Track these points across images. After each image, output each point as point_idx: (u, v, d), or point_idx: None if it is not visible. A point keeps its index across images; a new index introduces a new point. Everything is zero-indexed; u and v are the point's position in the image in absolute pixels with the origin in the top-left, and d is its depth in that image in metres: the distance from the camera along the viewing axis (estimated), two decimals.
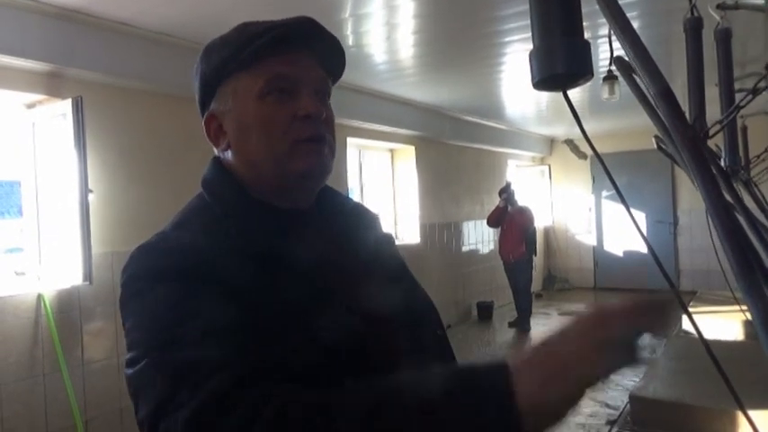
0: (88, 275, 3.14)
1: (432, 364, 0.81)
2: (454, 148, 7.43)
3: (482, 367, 0.57)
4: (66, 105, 3.13)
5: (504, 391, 0.53)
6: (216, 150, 0.86)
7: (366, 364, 0.72)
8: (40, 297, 3.15)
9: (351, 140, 5.55)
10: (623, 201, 0.55)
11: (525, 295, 6.82)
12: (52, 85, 3.25)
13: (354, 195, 5.96)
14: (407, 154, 6.67)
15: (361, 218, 0.94)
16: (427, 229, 6.77)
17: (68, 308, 3.27)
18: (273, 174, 0.80)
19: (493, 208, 7.02)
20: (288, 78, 0.79)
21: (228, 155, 0.84)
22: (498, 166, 8.79)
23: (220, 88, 0.82)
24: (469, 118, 7.26)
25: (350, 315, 0.75)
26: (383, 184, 6.70)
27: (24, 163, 3.40)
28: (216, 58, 0.82)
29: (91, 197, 3.20)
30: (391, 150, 6.74)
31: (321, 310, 0.73)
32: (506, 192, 6.79)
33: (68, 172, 3.13)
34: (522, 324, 6.78)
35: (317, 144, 0.81)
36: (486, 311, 7.34)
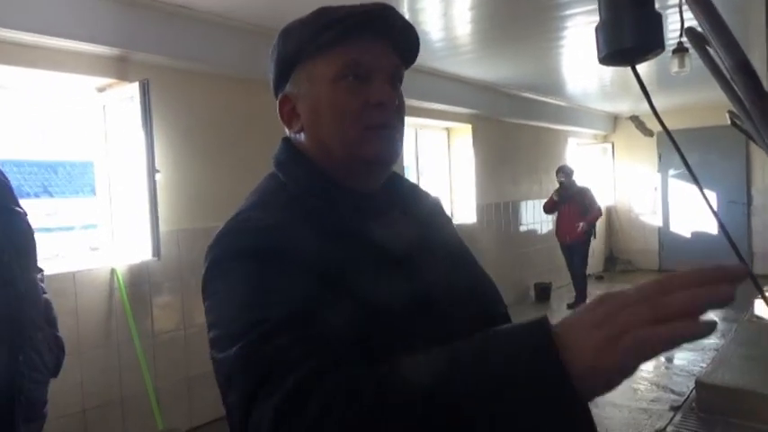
0: (157, 251, 3.29)
1: None
2: (512, 127, 7.27)
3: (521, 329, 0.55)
4: (133, 88, 3.26)
5: (547, 353, 0.51)
6: (288, 132, 0.88)
7: (433, 339, 0.68)
8: (113, 271, 3.33)
9: (407, 120, 5.49)
10: (695, 179, 0.53)
11: (581, 279, 6.75)
12: (120, 69, 3.39)
13: (410, 175, 5.95)
14: (464, 132, 6.57)
15: (423, 201, 0.95)
16: (484, 209, 6.69)
17: (139, 282, 3.45)
18: (344, 158, 0.82)
19: (552, 188, 6.86)
20: (362, 65, 0.80)
21: (301, 137, 0.85)
22: (558, 144, 8.55)
23: (296, 71, 0.83)
24: (528, 95, 7.06)
25: (419, 292, 0.76)
26: (439, 163, 6.65)
27: (97, 144, 3.58)
28: (293, 41, 0.83)
29: (158, 177, 3.34)
30: (447, 129, 6.66)
31: (392, 287, 0.73)
32: (563, 172, 6.61)
33: (137, 152, 3.27)
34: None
35: (388, 131, 0.82)
36: (544, 292, 7.22)
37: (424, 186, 1.02)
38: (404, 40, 0.85)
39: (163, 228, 3.39)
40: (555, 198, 6.62)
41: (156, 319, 3.53)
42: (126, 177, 3.42)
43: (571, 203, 6.53)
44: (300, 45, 0.82)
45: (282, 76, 0.85)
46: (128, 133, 3.34)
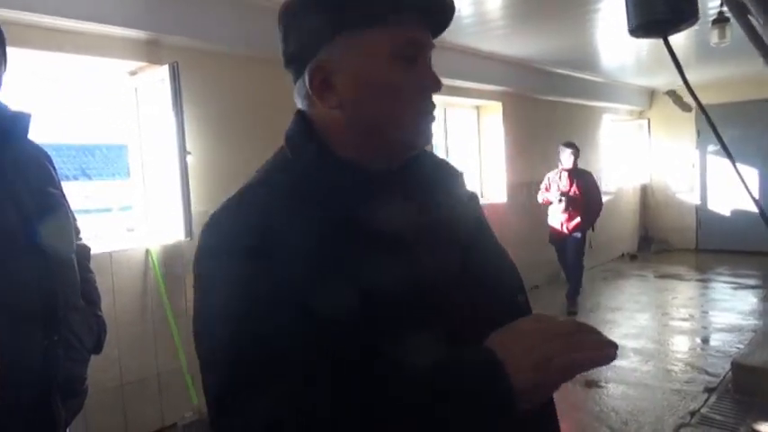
0: (189, 232, 3.35)
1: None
2: (544, 104, 7.12)
3: (471, 362, 0.65)
4: (163, 71, 3.29)
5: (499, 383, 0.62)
6: (319, 103, 0.79)
7: (430, 327, 0.71)
8: (147, 251, 3.42)
9: (435, 98, 5.43)
10: (728, 154, 0.50)
11: (576, 269, 5.84)
12: (151, 52, 3.43)
13: (439, 153, 5.90)
14: (494, 110, 6.47)
15: (445, 174, 0.91)
16: (515, 188, 6.60)
17: (172, 261, 3.53)
18: (389, 138, 0.79)
19: (582, 166, 6.66)
20: (417, 45, 0.77)
21: (335, 114, 0.78)
22: (591, 121, 8.35)
23: (336, 39, 0.75)
24: (560, 71, 6.90)
25: (419, 278, 0.73)
26: (469, 141, 6.57)
27: (130, 127, 3.65)
28: (334, 5, 0.75)
29: (189, 158, 3.39)
30: (477, 107, 6.57)
31: (391, 273, 0.71)
32: (574, 149, 5.64)
33: (168, 135, 3.32)
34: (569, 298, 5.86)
35: (432, 117, 0.81)
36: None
37: (451, 161, 0.98)
38: (443, 25, 0.82)
39: (195, 208, 3.45)
40: (559, 200, 5.57)
41: (190, 298, 3.61)
42: (158, 159, 3.48)
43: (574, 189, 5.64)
44: (350, 11, 0.74)
45: (319, 41, 0.76)
46: (159, 116, 3.39)
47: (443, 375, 0.64)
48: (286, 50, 0.81)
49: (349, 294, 0.68)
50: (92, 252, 1.84)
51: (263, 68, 3.96)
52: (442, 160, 0.94)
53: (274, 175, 0.80)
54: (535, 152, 7.00)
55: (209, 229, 0.75)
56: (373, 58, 0.75)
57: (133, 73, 3.56)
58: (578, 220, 5.58)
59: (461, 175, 0.94)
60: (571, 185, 5.60)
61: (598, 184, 5.92)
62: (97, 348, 1.67)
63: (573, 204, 5.55)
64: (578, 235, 5.65)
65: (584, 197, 5.57)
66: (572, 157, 5.62)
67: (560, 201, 5.54)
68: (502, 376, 0.61)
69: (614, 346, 0.64)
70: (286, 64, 0.83)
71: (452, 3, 0.80)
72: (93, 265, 1.78)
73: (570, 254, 5.76)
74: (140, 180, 3.65)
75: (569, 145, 5.71)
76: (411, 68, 0.76)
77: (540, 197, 5.82)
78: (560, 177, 5.69)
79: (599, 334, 0.65)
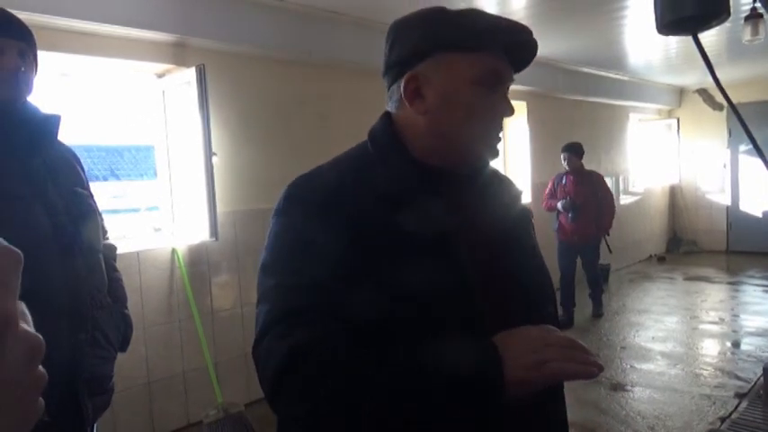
0: (214, 232, 3.39)
1: None
2: (569, 103, 7.03)
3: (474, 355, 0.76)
4: (190, 73, 3.34)
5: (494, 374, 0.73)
6: (401, 108, 0.92)
7: (459, 330, 0.82)
8: (173, 251, 3.47)
9: None
10: (760, 154, 0.49)
11: (594, 272, 5.61)
12: (178, 55, 3.48)
13: None
14: (519, 110, 6.41)
15: (503, 190, 1.02)
16: (539, 189, 6.53)
17: (198, 261, 3.58)
18: (460, 148, 0.91)
19: (610, 167, 6.55)
20: (499, 75, 0.89)
21: (419, 118, 0.90)
22: (618, 120, 8.21)
23: (433, 56, 0.87)
24: (586, 69, 6.80)
25: (460, 282, 0.84)
26: None
27: (157, 128, 3.71)
28: (444, 28, 0.87)
29: (215, 160, 3.43)
30: None
31: (433, 268, 0.82)
32: (574, 153, 5.31)
33: (194, 136, 3.36)
34: (595, 310, 5.68)
35: (499, 136, 0.93)
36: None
37: (510, 177, 1.09)
38: (524, 62, 0.94)
39: (220, 209, 3.49)
40: (561, 209, 5.28)
41: (215, 297, 3.66)
42: (184, 161, 3.52)
43: (581, 194, 5.24)
44: (449, 35, 0.87)
45: (419, 56, 0.88)
46: (185, 117, 3.44)
47: (449, 356, 0.75)
48: (389, 59, 0.92)
49: (383, 282, 0.79)
50: (119, 252, 1.86)
51: (288, 70, 4.00)
52: (505, 177, 1.05)
53: (348, 160, 0.93)
54: (559, 152, 6.92)
55: (292, 185, 0.89)
56: (459, 79, 0.87)
57: (160, 75, 3.62)
58: (589, 229, 5.24)
59: (520, 192, 1.05)
60: (575, 190, 5.24)
61: (608, 185, 5.59)
62: (123, 346, 1.69)
63: (582, 212, 5.19)
64: (591, 245, 5.39)
65: (594, 202, 5.22)
66: (566, 161, 5.30)
67: (567, 212, 5.20)
68: (497, 367, 0.73)
69: (600, 367, 0.74)
70: (386, 70, 0.94)
71: (536, 45, 0.92)
72: (120, 265, 1.81)
73: (586, 264, 5.52)
74: (167, 181, 3.70)
75: (565, 147, 5.37)
76: (489, 94, 0.88)
77: (545, 203, 5.50)
78: (563, 181, 5.37)
79: (589, 353, 0.76)
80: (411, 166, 0.89)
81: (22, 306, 0.33)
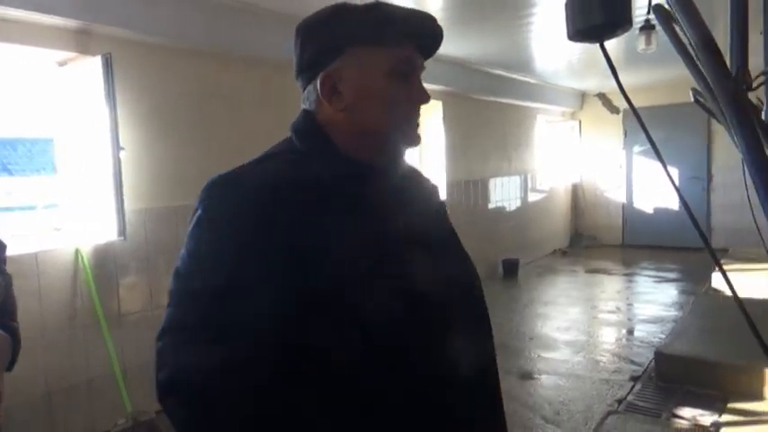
0: (122, 231, 3.22)
1: (468, 344, 0.92)
2: (482, 103, 7.30)
3: None
4: (95, 62, 3.15)
5: None
6: (321, 107, 0.93)
7: (401, 337, 0.83)
8: (77, 252, 3.26)
9: None
10: (659, 155, 0.54)
11: None
12: (82, 43, 3.26)
13: None
14: (434, 109, 6.57)
15: (420, 184, 1.04)
16: (454, 187, 6.73)
17: (104, 262, 3.38)
18: (382, 138, 0.92)
19: (518, 166, 6.87)
20: (410, 64, 0.92)
21: (340, 115, 0.91)
22: (527, 121, 8.62)
23: (345, 53, 0.89)
24: (498, 72, 7.09)
25: (395, 288, 0.85)
26: None
27: (57, 120, 3.46)
28: (349, 25, 0.90)
29: (123, 154, 3.26)
30: None
31: (381, 283, 0.83)
32: None
33: (100, 129, 3.17)
34: None
35: (418, 122, 0.96)
36: (511, 268, 7.35)
37: (422, 170, 1.12)
38: (432, 50, 0.97)
39: (129, 207, 3.32)
40: None
41: (123, 300, 3.47)
42: (89, 155, 3.32)
43: None
44: (358, 31, 0.89)
45: (328, 54, 0.90)
46: (90, 109, 3.24)
47: None
48: (301, 60, 0.93)
49: (326, 279, 0.79)
50: (13, 253, 1.69)
51: (202, 62, 3.86)
52: (419, 170, 1.08)
53: (277, 153, 0.93)
54: (473, 151, 7.17)
55: (214, 186, 0.86)
56: (372, 72, 0.90)
57: (62, 63, 3.38)
58: None
59: (436, 188, 1.08)
60: None
61: (518, 183, 5.71)
62: (10, 366, 1.51)
63: None
64: None
65: None
66: None
67: None
68: None
69: None
70: (298, 72, 0.94)
71: (441, 31, 0.96)
72: (15, 268, 1.65)
73: None
74: (69, 176, 3.47)
75: None
76: (404, 84, 0.91)
77: None
78: None
79: None
80: (344, 162, 0.90)
81: None
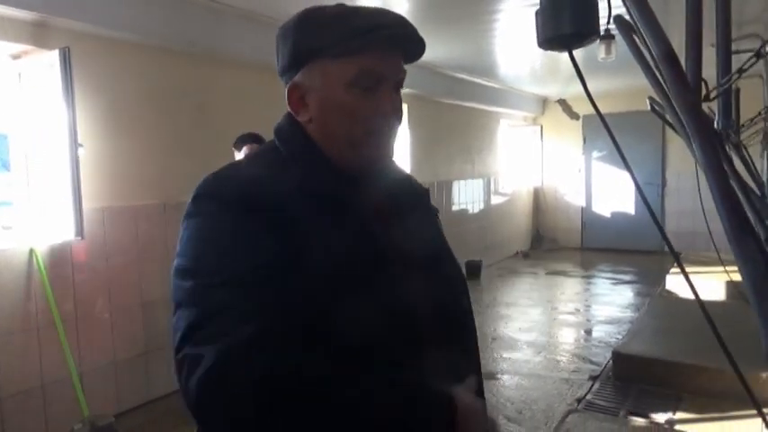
0: (80, 231, 3.13)
1: (454, 353, 0.93)
2: (446, 107, 7.37)
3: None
4: (53, 56, 3.05)
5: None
6: (295, 115, 0.92)
7: (393, 338, 0.83)
8: (31, 252, 3.15)
9: None
10: (624, 161, 0.56)
11: None
12: (38, 35, 3.16)
13: None
14: None
15: (410, 191, 1.03)
16: None
17: (61, 263, 3.28)
18: (347, 153, 0.89)
19: (481, 168, 6.97)
20: (375, 74, 0.86)
21: (309, 126, 0.90)
22: (490, 125, 8.76)
23: (310, 64, 0.87)
24: (463, 76, 7.18)
25: (401, 305, 0.85)
26: None
27: (11, 115, 3.34)
28: (314, 36, 0.86)
29: (81, 151, 3.17)
30: None
31: (359, 257, 0.83)
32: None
33: (57, 125, 3.08)
34: None
35: (387, 135, 0.91)
36: (474, 270, 7.44)
37: (416, 178, 1.11)
38: (413, 52, 0.92)
39: (87, 206, 3.22)
40: None
41: (80, 301, 3.37)
42: (45, 152, 3.21)
43: None
44: (321, 44, 0.85)
45: (295, 65, 0.88)
46: (47, 104, 3.13)
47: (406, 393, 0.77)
48: (278, 65, 0.92)
49: (309, 274, 0.78)
50: None
51: (163, 58, 3.78)
52: (410, 176, 1.07)
53: (262, 156, 0.93)
54: (438, 153, 7.24)
55: (210, 179, 0.84)
56: (333, 84, 0.86)
57: (16, 57, 3.26)
58: None
59: (427, 192, 1.07)
60: None
61: (480, 186, 5.67)
62: None
63: None
64: None
65: None
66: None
67: None
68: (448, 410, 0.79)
69: None
70: (280, 75, 0.93)
71: (417, 36, 0.89)
72: None
73: None
74: (23, 174, 3.35)
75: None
76: (368, 95, 0.86)
77: None
78: None
79: None
80: (326, 168, 0.89)
81: None
